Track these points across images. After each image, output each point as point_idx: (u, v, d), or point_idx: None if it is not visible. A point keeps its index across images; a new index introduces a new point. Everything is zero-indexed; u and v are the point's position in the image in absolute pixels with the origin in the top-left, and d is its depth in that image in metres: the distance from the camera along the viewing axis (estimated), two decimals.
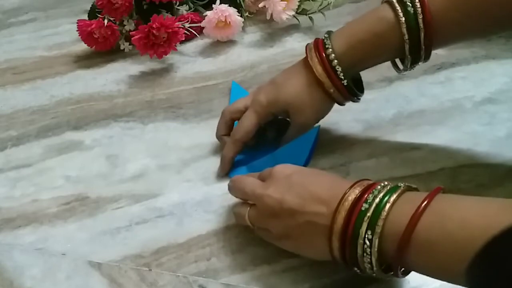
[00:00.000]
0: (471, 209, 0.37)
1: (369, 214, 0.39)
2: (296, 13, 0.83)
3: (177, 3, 0.81)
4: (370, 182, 0.43)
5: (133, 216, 0.55)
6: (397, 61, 0.55)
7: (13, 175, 0.61)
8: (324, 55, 0.53)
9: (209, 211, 0.55)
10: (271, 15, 0.81)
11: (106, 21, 0.76)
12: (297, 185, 0.45)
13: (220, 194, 0.56)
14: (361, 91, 0.57)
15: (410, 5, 0.49)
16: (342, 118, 0.63)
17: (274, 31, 0.84)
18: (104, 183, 0.59)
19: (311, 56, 0.54)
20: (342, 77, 0.53)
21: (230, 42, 0.82)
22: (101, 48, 0.79)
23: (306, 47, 0.56)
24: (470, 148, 0.59)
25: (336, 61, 0.52)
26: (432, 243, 0.37)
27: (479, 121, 0.63)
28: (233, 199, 0.55)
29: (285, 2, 0.80)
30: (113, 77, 0.76)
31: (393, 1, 0.50)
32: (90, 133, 0.66)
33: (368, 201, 0.40)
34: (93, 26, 0.76)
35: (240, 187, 0.49)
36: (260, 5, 0.83)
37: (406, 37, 0.49)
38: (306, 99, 0.54)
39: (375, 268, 0.40)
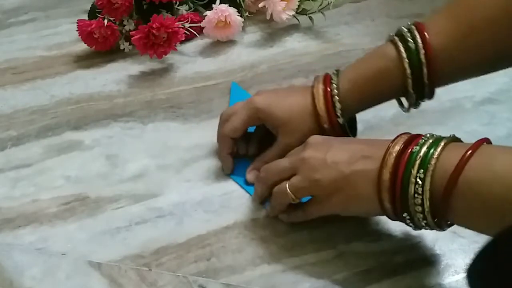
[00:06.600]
0: None
1: (421, 154, 0.41)
2: (296, 13, 0.83)
3: (177, 3, 0.81)
4: (412, 134, 0.44)
5: (133, 216, 0.55)
6: (403, 99, 0.55)
7: (13, 175, 0.61)
8: (328, 89, 0.53)
9: (209, 211, 0.55)
10: (271, 15, 0.81)
11: (106, 21, 0.76)
12: (338, 144, 0.47)
13: (220, 194, 0.56)
14: (354, 133, 0.58)
15: (412, 41, 0.49)
16: None
17: (274, 31, 0.84)
18: (104, 183, 0.59)
19: (317, 87, 0.54)
20: (339, 114, 0.53)
21: (230, 42, 0.82)
22: (101, 48, 0.79)
23: (314, 77, 0.56)
24: None
25: (337, 97, 0.53)
26: (479, 182, 0.38)
27: (479, 121, 0.63)
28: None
29: (285, 2, 0.80)
30: (113, 77, 0.76)
31: (395, 38, 0.51)
32: (90, 133, 0.66)
33: (418, 144, 0.42)
34: (93, 26, 0.76)
35: (274, 168, 0.50)
36: (260, 5, 0.83)
37: (408, 71, 0.50)
38: (299, 125, 0.54)
39: (426, 209, 0.40)
